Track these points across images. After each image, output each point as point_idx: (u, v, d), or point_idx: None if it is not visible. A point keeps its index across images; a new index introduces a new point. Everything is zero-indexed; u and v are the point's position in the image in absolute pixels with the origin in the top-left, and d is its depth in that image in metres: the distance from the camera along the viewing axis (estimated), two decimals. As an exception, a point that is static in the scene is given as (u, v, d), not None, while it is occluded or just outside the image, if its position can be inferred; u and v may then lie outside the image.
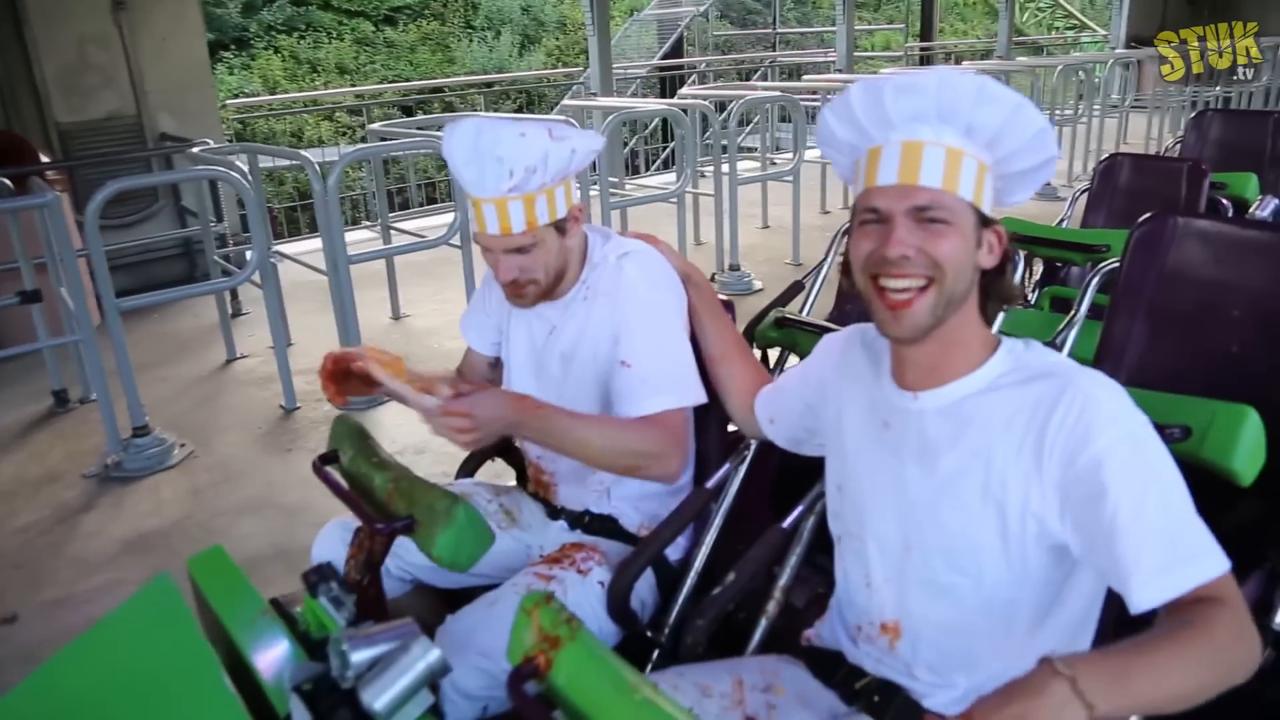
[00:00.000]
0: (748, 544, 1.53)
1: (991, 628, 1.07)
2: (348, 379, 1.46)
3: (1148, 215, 1.84)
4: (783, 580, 1.43)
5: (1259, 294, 1.67)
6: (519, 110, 12.10)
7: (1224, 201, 3.11)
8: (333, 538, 1.63)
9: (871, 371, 1.19)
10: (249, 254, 4.96)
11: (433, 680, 1.09)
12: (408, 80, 15.77)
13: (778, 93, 5.95)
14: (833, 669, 1.22)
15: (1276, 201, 3.07)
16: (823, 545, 1.50)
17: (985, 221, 1.06)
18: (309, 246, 5.58)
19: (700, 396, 1.50)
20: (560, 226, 1.48)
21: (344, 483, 1.45)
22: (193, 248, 5.49)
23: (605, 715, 0.91)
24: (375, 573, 1.50)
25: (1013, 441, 1.02)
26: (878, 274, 1.03)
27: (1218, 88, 9.27)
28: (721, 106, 6.82)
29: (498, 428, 1.37)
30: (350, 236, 4.71)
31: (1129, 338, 1.80)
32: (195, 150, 4.29)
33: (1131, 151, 4.56)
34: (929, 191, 1.02)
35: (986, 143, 1.04)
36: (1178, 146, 4.44)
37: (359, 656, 1.09)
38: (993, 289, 1.09)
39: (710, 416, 1.64)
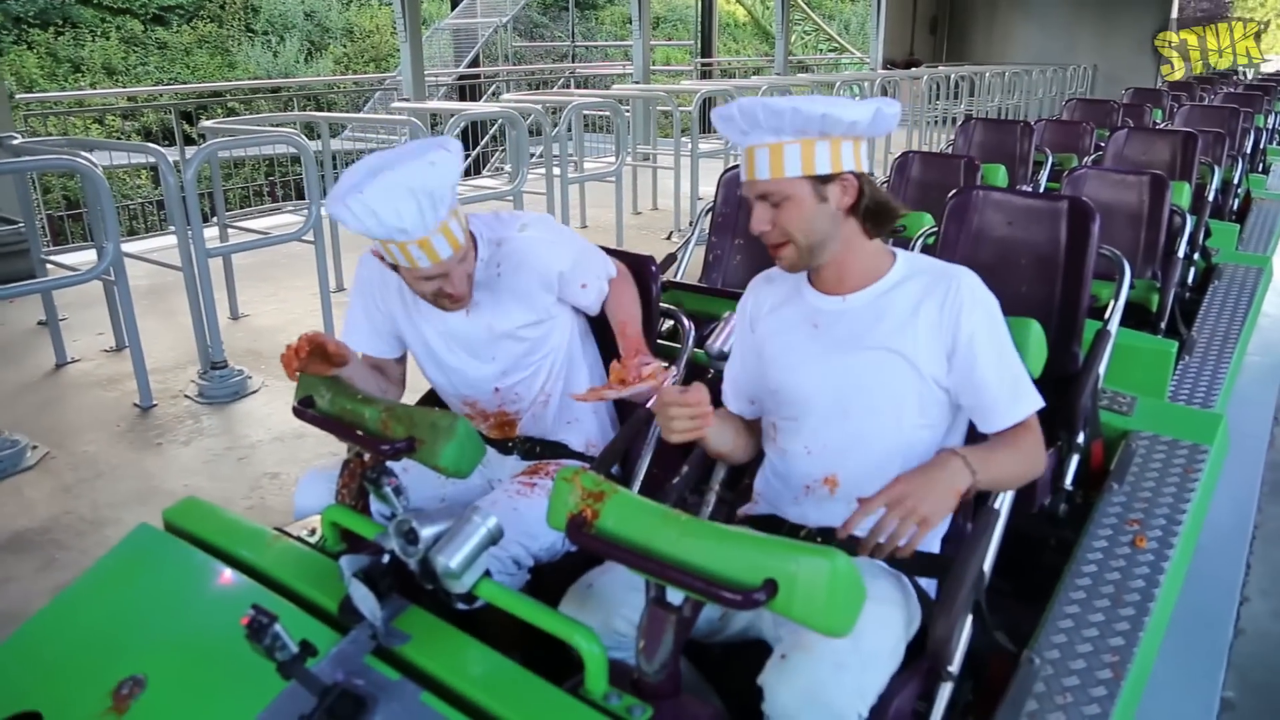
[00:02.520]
0: (664, 464, 1.87)
1: (905, 459, 1.46)
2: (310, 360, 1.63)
3: (956, 190, 2.36)
4: (721, 473, 1.77)
5: (1038, 246, 2.21)
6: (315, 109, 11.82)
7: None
8: (315, 482, 1.80)
9: (788, 293, 1.57)
10: (59, 258, 4.73)
11: (492, 543, 1.33)
12: (185, 83, 14.88)
13: (599, 99, 6.34)
14: (775, 528, 1.56)
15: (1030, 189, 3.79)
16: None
17: (827, 178, 1.40)
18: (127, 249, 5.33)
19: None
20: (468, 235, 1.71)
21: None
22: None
23: (658, 536, 1.21)
24: (367, 498, 1.71)
25: (919, 322, 1.44)
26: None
27: (962, 105, 10.69)
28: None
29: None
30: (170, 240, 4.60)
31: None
32: (15, 143, 4.07)
33: (919, 150, 5.30)
34: (763, 183, 1.41)
35: (794, 132, 1.37)
36: (949, 147, 5.23)
37: (427, 532, 1.33)
38: (867, 214, 1.45)
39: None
